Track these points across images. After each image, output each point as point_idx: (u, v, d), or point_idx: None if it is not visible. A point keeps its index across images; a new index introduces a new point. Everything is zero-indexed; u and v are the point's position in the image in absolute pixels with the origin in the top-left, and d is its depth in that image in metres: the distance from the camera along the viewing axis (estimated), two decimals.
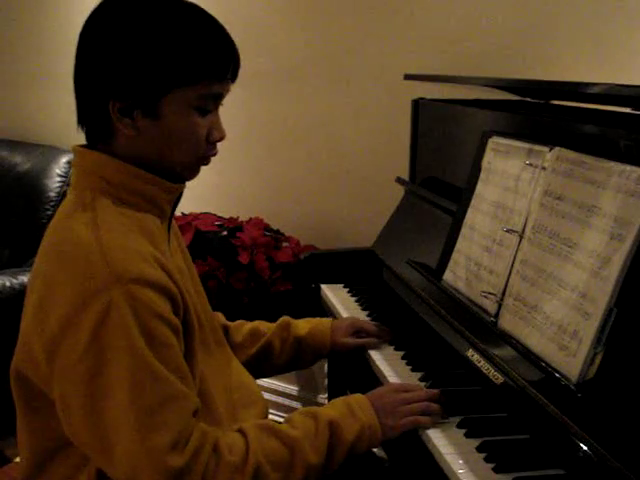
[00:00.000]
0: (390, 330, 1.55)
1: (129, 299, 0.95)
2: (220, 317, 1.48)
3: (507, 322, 1.27)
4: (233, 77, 1.11)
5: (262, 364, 1.46)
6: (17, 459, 2.05)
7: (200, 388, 1.11)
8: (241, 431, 1.09)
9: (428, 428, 1.16)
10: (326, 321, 1.54)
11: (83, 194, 1.05)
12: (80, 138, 1.13)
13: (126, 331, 0.94)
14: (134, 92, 1.02)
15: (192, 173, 1.13)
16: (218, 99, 1.10)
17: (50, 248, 1.04)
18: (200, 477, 0.98)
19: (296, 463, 1.07)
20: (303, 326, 1.51)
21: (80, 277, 0.96)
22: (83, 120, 1.09)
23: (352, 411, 1.15)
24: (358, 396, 1.20)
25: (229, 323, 1.48)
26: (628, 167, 1.08)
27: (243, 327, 1.48)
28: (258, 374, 1.46)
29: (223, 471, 1.01)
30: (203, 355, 1.15)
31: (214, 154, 1.13)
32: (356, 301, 1.78)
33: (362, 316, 1.68)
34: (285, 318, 1.52)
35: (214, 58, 1.06)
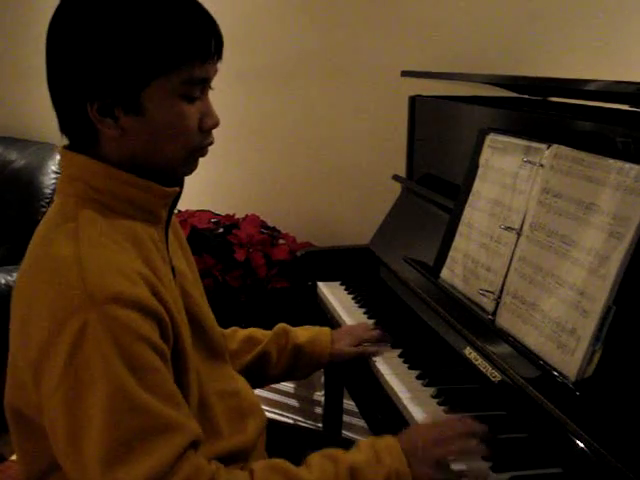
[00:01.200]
0: (390, 336, 1.51)
1: (106, 320, 0.87)
2: None
3: (505, 320, 1.26)
4: (217, 56, 1.01)
5: (258, 373, 1.40)
6: (13, 457, 2.05)
7: (197, 395, 1.06)
8: (249, 470, 1.00)
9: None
10: (326, 330, 1.48)
11: (67, 202, 0.99)
12: None
13: (103, 355, 0.87)
14: (111, 89, 0.94)
15: (189, 167, 1.05)
16: (204, 83, 1.01)
17: (31, 263, 0.98)
18: None
19: None
20: (302, 334, 1.45)
21: (56, 297, 0.90)
22: (64, 127, 1.02)
23: (378, 455, 1.03)
24: (387, 438, 1.07)
25: (223, 331, 1.40)
26: (627, 164, 1.07)
27: (237, 334, 1.42)
28: (253, 384, 1.40)
29: None
30: (202, 360, 1.11)
31: (210, 143, 1.04)
32: (353, 299, 1.77)
33: (359, 314, 1.68)
34: (282, 325, 1.46)
35: (192, 39, 0.96)
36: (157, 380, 0.92)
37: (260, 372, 1.41)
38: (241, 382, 1.26)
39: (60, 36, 0.97)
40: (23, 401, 0.99)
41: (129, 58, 0.93)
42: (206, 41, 0.98)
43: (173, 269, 1.09)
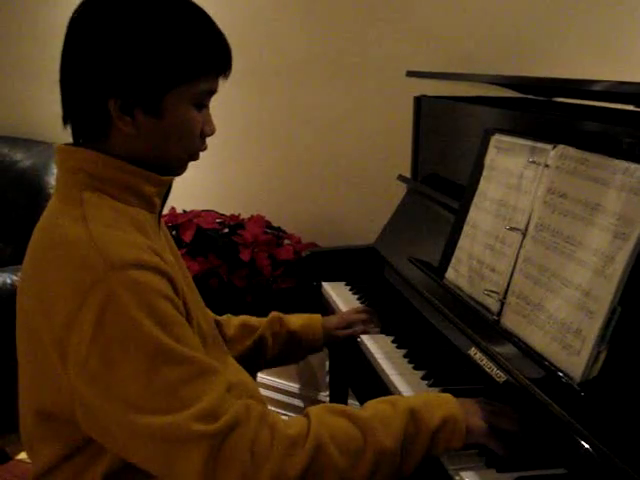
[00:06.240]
0: (378, 315, 1.61)
1: (129, 284, 0.92)
2: (209, 312, 1.47)
3: (510, 320, 1.26)
4: (227, 73, 1.11)
5: (254, 359, 1.46)
6: (18, 457, 2.05)
7: None
8: (305, 413, 1.03)
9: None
10: (317, 317, 1.55)
11: (70, 192, 1.03)
12: None
13: (130, 317, 0.91)
14: (136, 90, 1.01)
15: (183, 169, 1.13)
16: (212, 94, 1.10)
17: (41, 250, 1.02)
18: (248, 445, 0.92)
19: (367, 446, 0.99)
20: (295, 320, 1.52)
21: (76, 272, 0.94)
22: (72, 117, 1.07)
23: (435, 400, 1.08)
24: (443, 393, 1.14)
25: (218, 317, 1.47)
26: (632, 165, 1.07)
27: (232, 321, 1.48)
28: (249, 369, 1.43)
29: (278, 444, 0.94)
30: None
31: (204, 149, 1.13)
32: (358, 299, 1.77)
33: None
34: (275, 313, 1.53)
35: (212, 54, 1.06)
36: (184, 332, 0.97)
37: (257, 358, 1.47)
38: (241, 371, 1.29)
39: (90, 31, 1.01)
40: (48, 393, 1.01)
41: (159, 64, 1.01)
42: (223, 59, 1.08)
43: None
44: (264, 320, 1.50)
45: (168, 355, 0.93)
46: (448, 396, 1.11)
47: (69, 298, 0.93)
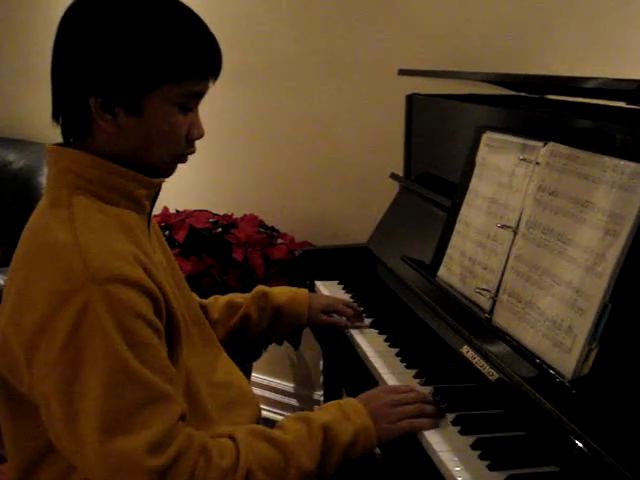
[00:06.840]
0: (371, 313, 1.60)
1: (107, 299, 0.92)
2: (194, 297, 1.47)
3: (501, 318, 1.26)
4: (216, 75, 1.09)
5: (240, 335, 1.46)
6: None
7: (186, 384, 1.09)
8: (231, 436, 1.06)
9: (424, 431, 1.14)
10: (303, 292, 1.55)
11: (59, 193, 1.03)
12: None
13: (103, 332, 0.92)
14: (118, 89, 1.00)
15: (169, 171, 1.12)
16: (199, 97, 1.09)
17: (27, 250, 1.02)
18: (187, 477, 0.95)
19: (289, 468, 1.04)
20: (280, 293, 1.51)
21: (57, 278, 0.94)
22: (59, 115, 1.07)
23: (346, 414, 1.12)
24: (350, 400, 1.17)
25: (204, 301, 1.47)
26: (622, 162, 1.07)
27: (218, 302, 1.48)
28: (236, 347, 1.45)
29: (213, 476, 0.98)
30: (187, 351, 1.13)
31: (192, 152, 1.12)
32: (351, 297, 1.77)
33: None
34: (260, 287, 1.52)
35: (199, 56, 1.04)
36: (153, 354, 0.97)
37: (243, 335, 1.47)
38: (232, 371, 1.29)
39: (77, 29, 1.02)
40: (15, 378, 1.01)
41: (142, 63, 1.00)
42: (210, 62, 1.07)
43: None
44: (248, 296, 1.50)
45: (131, 376, 0.93)
46: (358, 407, 1.14)
47: (46, 302, 0.94)
